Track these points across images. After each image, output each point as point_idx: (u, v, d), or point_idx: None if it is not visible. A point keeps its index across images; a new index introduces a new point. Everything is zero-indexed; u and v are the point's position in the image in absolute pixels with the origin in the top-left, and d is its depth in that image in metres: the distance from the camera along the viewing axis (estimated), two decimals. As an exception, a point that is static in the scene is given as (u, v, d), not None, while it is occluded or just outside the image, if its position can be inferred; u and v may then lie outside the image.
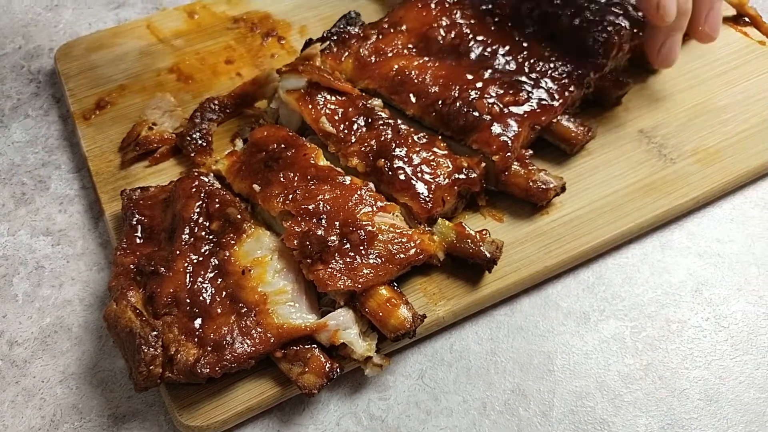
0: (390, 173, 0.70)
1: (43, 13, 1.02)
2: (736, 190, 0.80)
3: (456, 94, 0.75)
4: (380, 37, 0.82)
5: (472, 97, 0.75)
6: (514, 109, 0.75)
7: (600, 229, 0.73)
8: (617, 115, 0.84)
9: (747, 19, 0.94)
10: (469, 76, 0.77)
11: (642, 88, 0.86)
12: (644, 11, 0.76)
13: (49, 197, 0.81)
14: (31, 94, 0.91)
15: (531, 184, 0.73)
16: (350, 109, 0.75)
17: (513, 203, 0.75)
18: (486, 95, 0.75)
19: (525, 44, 0.80)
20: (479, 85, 0.76)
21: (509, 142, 0.73)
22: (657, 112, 0.84)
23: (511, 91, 0.76)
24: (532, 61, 0.79)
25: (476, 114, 0.74)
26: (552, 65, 0.79)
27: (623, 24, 0.81)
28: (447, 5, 0.84)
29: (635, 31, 0.82)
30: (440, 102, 0.75)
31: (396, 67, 0.78)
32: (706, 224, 0.78)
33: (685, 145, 0.81)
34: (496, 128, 0.73)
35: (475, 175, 0.72)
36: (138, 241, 0.69)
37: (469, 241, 0.68)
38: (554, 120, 0.77)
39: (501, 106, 0.75)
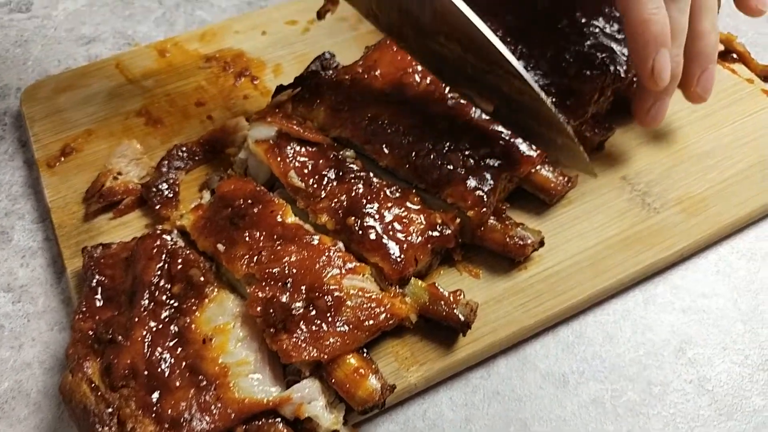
0: (360, 232, 0.67)
1: (12, 49, 0.99)
2: (722, 240, 0.77)
3: (430, 146, 0.72)
4: (354, 82, 0.79)
5: (446, 148, 0.72)
6: (490, 161, 0.72)
7: (580, 286, 0.71)
8: (599, 160, 0.81)
9: (735, 56, 0.91)
10: (445, 125, 0.74)
11: (625, 131, 0.83)
12: (638, 74, 0.74)
13: (12, 250, 0.78)
14: (-4, 138, 0.88)
15: (508, 239, 0.70)
16: (321, 161, 0.73)
17: (490, 257, 0.73)
18: (461, 146, 0.72)
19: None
20: (454, 135, 0.73)
21: (485, 197, 0.70)
22: (640, 157, 0.81)
23: (487, 142, 0.73)
24: (509, 108, 0.76)
25: (450, 167, 0.71)
26: (530, 112, 0.76)
27: (609, 68, 0.78)
28: (423, 48, 0.81)
29: (618, 74, 0.79)
30: (414, 153, 0.72)
31: (369, 115, 0.75)
32: (691, 277, 0.75)
33: (670, 193, 0.78)
34: (471, 182, 0.70)
35: (450, 231, 0.69)
36: (98, 303, 0.67)
37: (443, 303, 0.66)
38: (532, 170, 0.74)
39: (476, 158, 0.72)
